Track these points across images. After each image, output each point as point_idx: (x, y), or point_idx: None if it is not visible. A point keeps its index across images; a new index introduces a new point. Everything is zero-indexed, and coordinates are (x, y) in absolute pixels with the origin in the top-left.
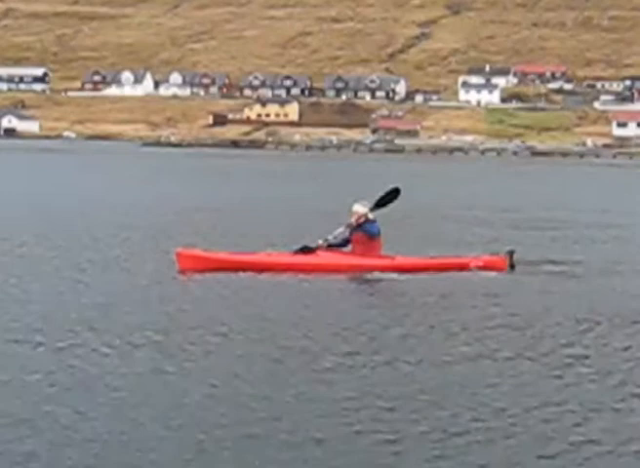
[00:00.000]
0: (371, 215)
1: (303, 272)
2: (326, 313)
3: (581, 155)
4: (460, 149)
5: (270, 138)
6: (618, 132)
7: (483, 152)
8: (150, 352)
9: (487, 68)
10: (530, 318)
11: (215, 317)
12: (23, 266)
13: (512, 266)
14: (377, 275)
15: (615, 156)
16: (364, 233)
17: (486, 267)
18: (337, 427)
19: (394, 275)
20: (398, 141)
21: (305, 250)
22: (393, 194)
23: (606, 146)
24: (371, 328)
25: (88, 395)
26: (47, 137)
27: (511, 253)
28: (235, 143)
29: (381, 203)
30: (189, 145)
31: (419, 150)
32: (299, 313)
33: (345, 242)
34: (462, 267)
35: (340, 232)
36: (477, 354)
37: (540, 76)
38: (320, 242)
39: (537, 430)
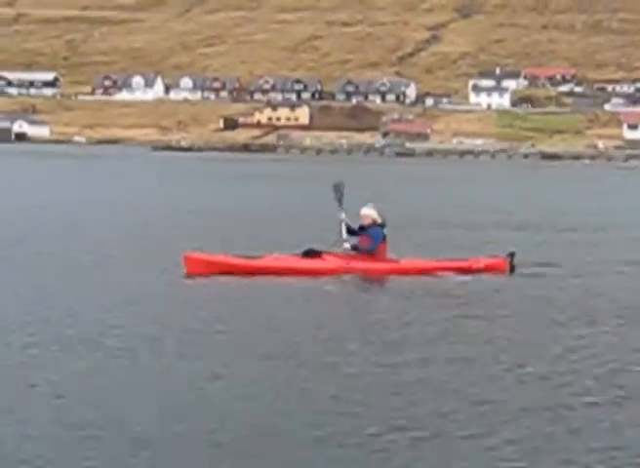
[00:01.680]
0: (379, 219)
1: (310, 276)
2: (331, 315)
3: (593, 158)
4: (470, 152)
5: (281, 142)
6: (628, 134)
7: (494, 155)
8: (154, 355)
9: (497, 71)
10: (529, 319)
11: (220, 321)
12: (27, 268)
13: (513, 268)
14: (381, 278)
15: (626, 159)
16: (369, 237)
17: (487, 269)
18: (343, 429)
19: (399, 278)
20: (409, 145)
21: (311, 253)
22: (339, 189)
23: (617, 148)
24: (375, 329)
25: (94, 397)
26: (57, 142)
27: (512, 255)
28: (246, 147)
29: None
30: (200, 149)
31: (429, 153)
32: (305, 316)
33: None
34: (465, 269)
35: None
36: (480, 355)
37: (551, 79)
38: (347, 245)
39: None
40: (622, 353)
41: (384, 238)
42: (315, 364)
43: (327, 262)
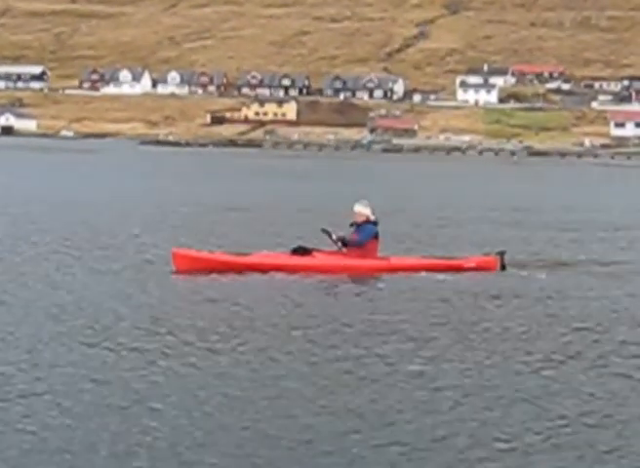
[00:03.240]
0: (372, 217)
1: (299, 273)
2: (319, 314)
3: (579, 155)
4: (457, 149)
5: (268, 137)
6: (615, 132)
7: (481, 152)
8: (143, 352)
9: (485, 68)
10: (520, 317)
11: (208, 318)
12: (17, 265)
13: (503, 267)
14: (371, 276)
15: (613, 156)
16: (359, 231)
17: (478, 268)
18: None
19: (389, 276)
20: (396, 141)
21: (301, 250)
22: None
23: (604, 146)
24: (364, 327)
25: (83, 394)
26: (44, 136)
27: (502, 254)
28: (233, 142)
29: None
30: (187, 144)
31: (416, 150)
32: (293, 314)
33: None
34: (455, 268)
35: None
36: (471, 353)
37: (538, 76)
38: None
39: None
40: (617, 352)
41: (377, 235)
42: (306, 361)
43: (317, 260)
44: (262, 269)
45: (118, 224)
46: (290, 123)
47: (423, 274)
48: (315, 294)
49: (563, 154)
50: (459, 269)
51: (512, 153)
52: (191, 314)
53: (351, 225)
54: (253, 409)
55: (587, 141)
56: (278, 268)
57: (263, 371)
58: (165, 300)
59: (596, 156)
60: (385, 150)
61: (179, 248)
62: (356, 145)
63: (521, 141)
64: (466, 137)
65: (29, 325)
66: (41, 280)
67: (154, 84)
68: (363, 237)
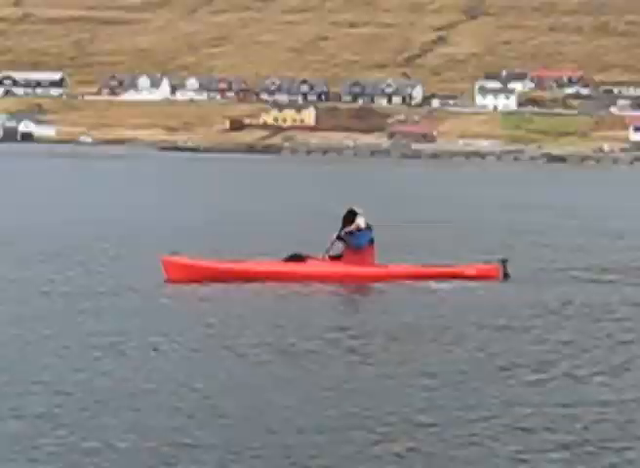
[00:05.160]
0: (363, 224)
1: (294, 281)
2: (315, 322)
3: (598, 160)
4: (476, 154)
5: (287, 143)
6: (634, 136)
7: (500, 157)
8: (136, 360)
9: (503, 73)
10: (517, 325)
11: (201, 327)
12: (15, 273)
13: (506, 275)
14: (368, 284)
15: (632, 162)
16: (355, 242)
17: (479, 276)
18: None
19: (386, 284)
20: (415, 146)
21: (296, 258)
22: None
23: (623, 151)
24: (361, 336)
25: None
26: (63, 142)
27: (504, 262)
28: (252, 148)
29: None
30: (206, 150)
31: (435, 155)
32: (287, 322)
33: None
34: (456, 276)
35: (335, 242)
36: (467, 361)
37: (557, 81)
38: (321, 256)
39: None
40: (617, 362)
41: (372, 241)
42: (300, 370)
43: (312, 267)
44: (256, 277)
45: (112, 230)
46: (308, 128)
47: (423, 282)
48: (310, 303)
49: (583, 159)
50: (459, 277)
51: (532, 158)
52: (183, 324)
53: (347, 234)
54: (245, 420)
55: (606, 146)
56: (272, 276)
57: (257, 380)
58: (155, 310)
59: (616, 161)
60: (404, 155)
61: (169, 255)
62: (375, 151)
63: (540, 146)
64: (485, 143)
65: (13, 331)
66: (33, 284)
67: (173, 90)
68: (361, 240)
